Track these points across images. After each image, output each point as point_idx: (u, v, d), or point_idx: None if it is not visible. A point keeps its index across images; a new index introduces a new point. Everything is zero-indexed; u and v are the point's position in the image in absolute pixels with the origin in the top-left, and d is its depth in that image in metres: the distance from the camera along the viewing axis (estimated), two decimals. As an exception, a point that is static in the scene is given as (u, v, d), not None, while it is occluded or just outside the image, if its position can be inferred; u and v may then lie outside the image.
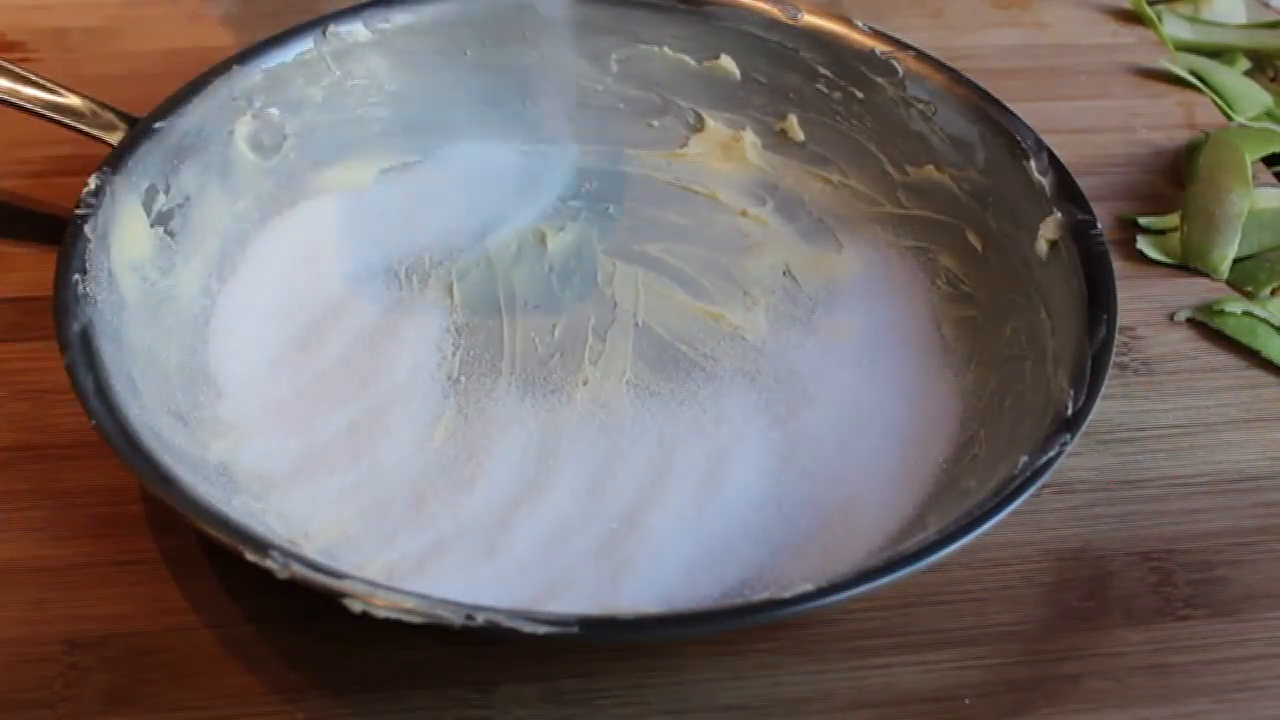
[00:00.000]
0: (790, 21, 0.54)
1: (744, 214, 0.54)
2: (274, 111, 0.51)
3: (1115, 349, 0.42)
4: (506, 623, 0.34)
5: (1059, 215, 0.46)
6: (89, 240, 0.43)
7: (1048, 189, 0.47)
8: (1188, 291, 0.53)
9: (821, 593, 0.35)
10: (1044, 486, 0.39)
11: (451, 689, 0.39)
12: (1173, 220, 0.55)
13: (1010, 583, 0.42)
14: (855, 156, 0.53)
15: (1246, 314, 0.51)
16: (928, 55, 0.52)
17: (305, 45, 0.52)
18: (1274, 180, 0.58)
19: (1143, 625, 0.42)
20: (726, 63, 0.55)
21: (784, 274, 0.51)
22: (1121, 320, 0.43)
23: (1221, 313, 0.51)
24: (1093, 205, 0.46)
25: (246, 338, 0.47)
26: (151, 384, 0.42)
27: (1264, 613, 0.42)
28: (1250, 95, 0.63)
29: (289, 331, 0.48)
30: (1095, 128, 0.61)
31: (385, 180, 0.54)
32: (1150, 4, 0.68)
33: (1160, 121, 0.62)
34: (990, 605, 0.42)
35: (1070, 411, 0.40)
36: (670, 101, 0.56)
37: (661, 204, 0.54)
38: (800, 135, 0.55)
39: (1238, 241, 0.54)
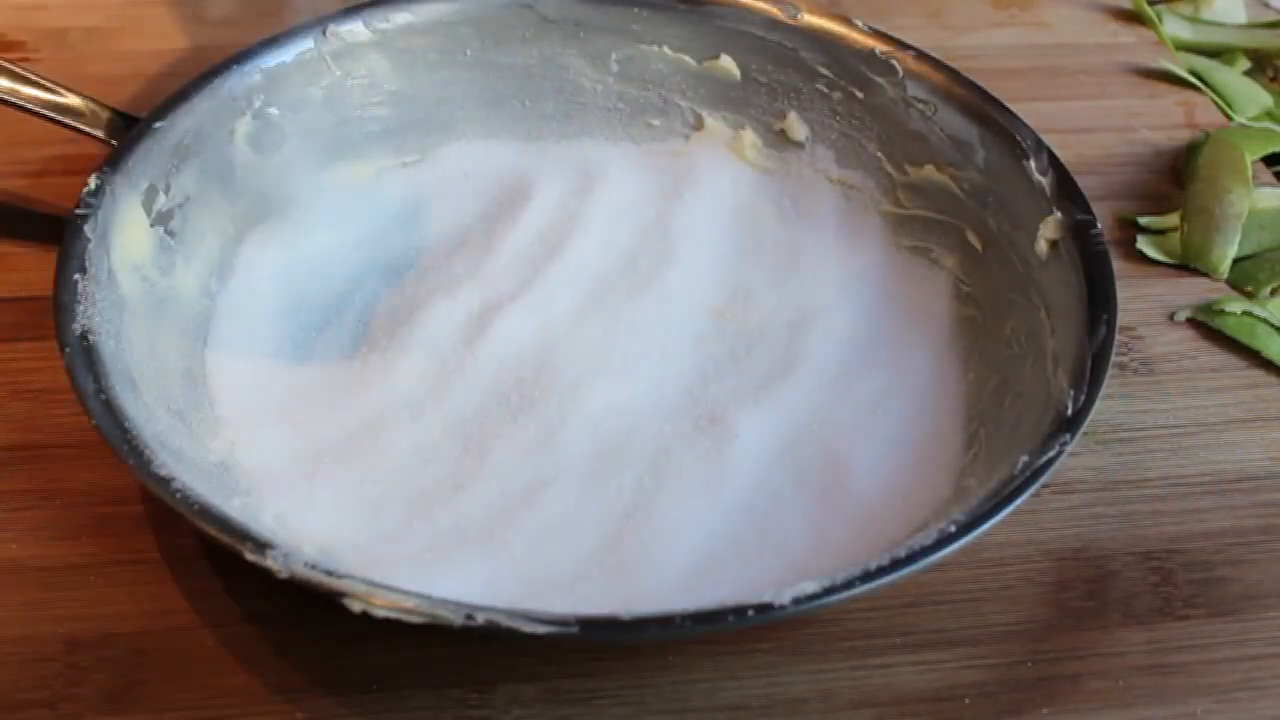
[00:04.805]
0: (790, 21, 0.54)
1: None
2: (274, 111, 0.51)
3: (1115, 349, 0.42)
4: (506, 623, 0.34)
5: (1059, 215, 0.46)
6: (89, 240, 0.43)
7: (1047, 189, 0.47)
8: (1188, 291, 0.53)
9: (821, 593, 0.35)
10: (1044, 486, 0.39)
11: (451, 689, 0.39)
12: (1173, 220, 0.55)
13: (1010, 583, 0.42)
14: (855, 156, 0.53)
15: (1246, 314, 0.51)
16: (928, 55, 0.52)
17: (305, 45, 0.52)
18: (1274, 180, 0.58)
19: (1143, 625, 0.42)
20: (726, 62, 0.55)
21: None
22: (1121, 320, 0.43)
23: (1221, 313, 0.51)
24: (1093, 205, 0.46)
25: (246, 337, 0.47)
26: (151, 384, 0.42)
27: (1264, 613, 0.42)
28: (1250, 95, 0.63)
29: (289, 331, 0.48)
30: (1095, 128, 0.61)
31: (385, 180, 0.54)
32: (1150, 4, 0.69)
33: (1160, 121, 0.62)
34: (990, 605, 0.42)
35: (1070, 411, 0.40)
36: (670, 101, 0.56)
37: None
38: (800, 135, 0.55)
39: (1238, 241, 0.54)
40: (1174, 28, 0.68)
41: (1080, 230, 0.45)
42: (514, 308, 0.49)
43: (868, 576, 0.36)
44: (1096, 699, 0.40)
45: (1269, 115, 0.63)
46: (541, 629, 0.34)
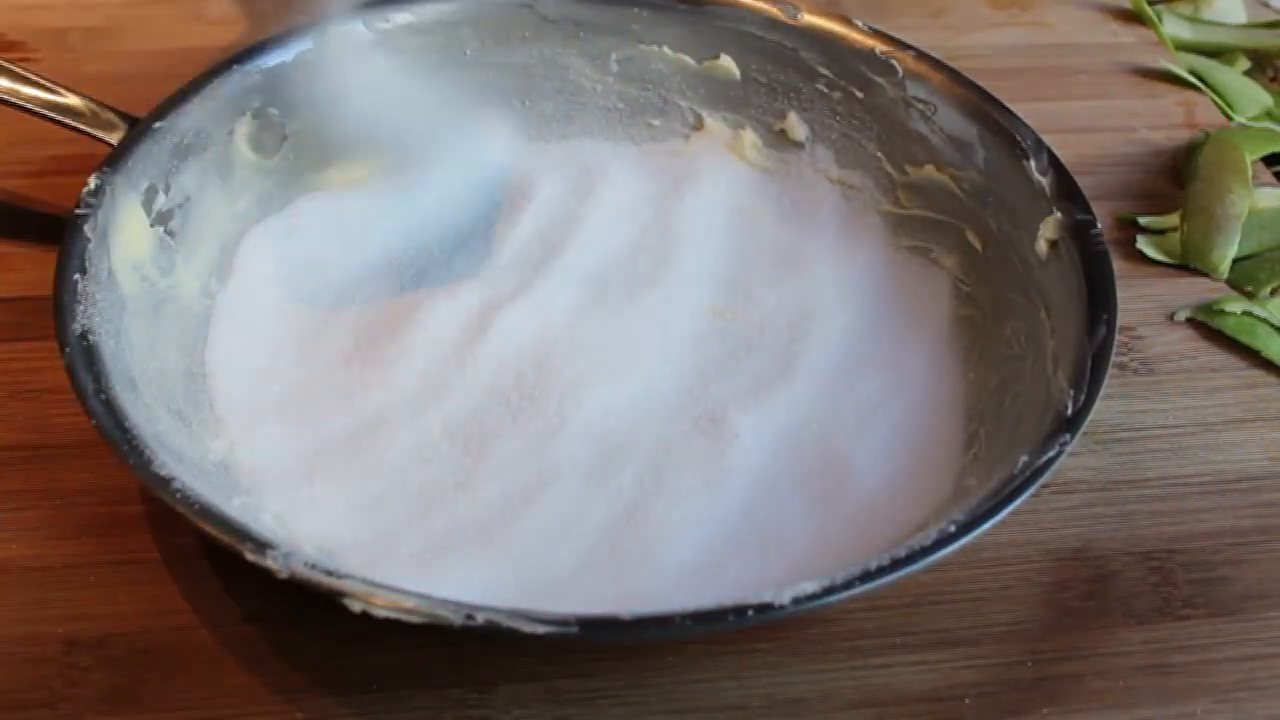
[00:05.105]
0: (790, 21, 0.54)
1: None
2: (274, 111, 0.51)
3: (1115, 349, 0.42)
4: (506, 623, 0.34)
5: (1059, 215, 0.46)
6: (89, 240, 0.43)
7: (1047, 189, 0.47)
8: (1188, 291, 0.53)
9: (821, 593, 0.35)
10: (1044, 486, 0.39)
11: (451, 689, 0.39)
12: (1173, 220, 0.55)
13: (1010, 583, 0.42)
14: (855, 156, 0.53)
15: (1246, 314, 0.51)
16: (928, 55, 0.52)
17: (305, 45, 0.52)
18: (1274, 180, 0.58)
19: (1143, 625, 0.42)
20: (726, 62, 0.55)
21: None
22: (1121, 320, 0.43)
23: (1221, 313, 0.51)
24: (1093, 205, 0.46)
25: (246, 337, 0.47)
26: (151, 384, 0.42)
27: (1264, 613, 0.42)
28: (1250, 95, 0.63)
29: (289, 331, 0.48)
30: (1095, 128, 0.61)
31: (385, 179, 0.54)
32: (1150, 4, 0.69)
33: (1160, 121, 0.62)
34: (990, 605, 0.42)
35: (1070, 411, 0.40)
36: (670, 101, 0.56)
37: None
38: (800, 135, 0.55)
39: (1238, 241, 0.54)
40: (1174, 28, 0.68)
41: (1080, 230, 0.45)
42: (514, 308, 0.49)
43: (868, 576, 0.36)
44: (1097, 699, 0.40)
45: (1269, 115, 0.63)
46: (541, 629, 0.34)
